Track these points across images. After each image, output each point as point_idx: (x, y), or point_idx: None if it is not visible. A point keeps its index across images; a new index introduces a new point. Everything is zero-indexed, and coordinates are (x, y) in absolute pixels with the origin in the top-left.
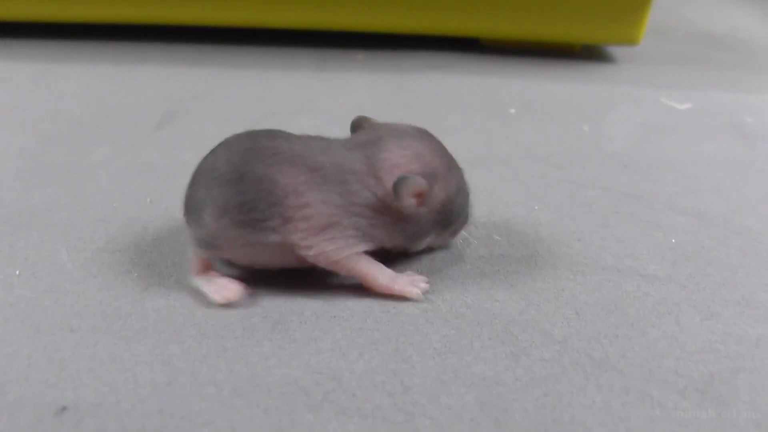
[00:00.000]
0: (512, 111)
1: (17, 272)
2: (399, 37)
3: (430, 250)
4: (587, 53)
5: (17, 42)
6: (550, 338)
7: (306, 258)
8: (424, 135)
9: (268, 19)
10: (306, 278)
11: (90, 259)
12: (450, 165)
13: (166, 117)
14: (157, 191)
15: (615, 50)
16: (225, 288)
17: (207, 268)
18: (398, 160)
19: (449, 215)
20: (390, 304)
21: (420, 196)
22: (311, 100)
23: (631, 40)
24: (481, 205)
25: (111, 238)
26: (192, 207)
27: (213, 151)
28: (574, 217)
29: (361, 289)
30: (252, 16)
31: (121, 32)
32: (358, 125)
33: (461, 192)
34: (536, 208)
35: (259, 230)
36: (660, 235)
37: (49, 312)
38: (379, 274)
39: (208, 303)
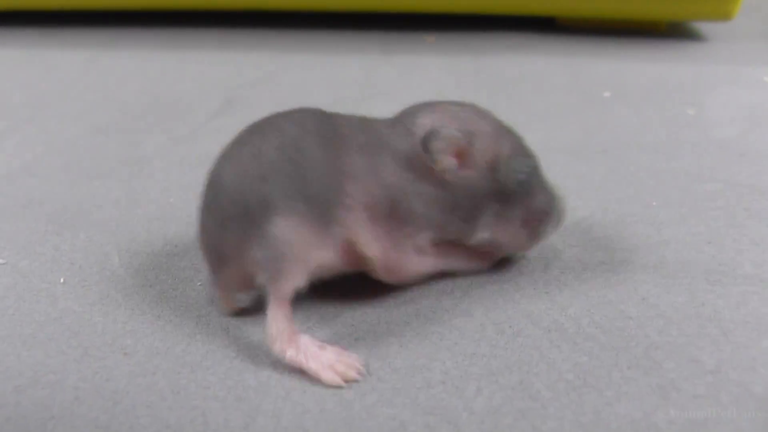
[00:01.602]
0: (606, 95)
1: (62, 280)
2: (469, 18)
3: (517, 257)
4: (673, 31)
5: (65, 30)
6: (699, 367)
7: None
8: (469, 105)
9: (330, 2)
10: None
11: (145, 264)
12: (499, 128)
13: (225, 104)
14: None
15: (703, 27)
16: (337, 362)
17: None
18: (433, 122)
19: (506, 184)
20: (505, 324)
21: (460, 156)
22: (381, 84)
23: (724, 15)
24: (589, 200)
25: (168, 239)
26: (241, 220)
27: (243, 141)
28: (699, 215)
29: (468, 300)
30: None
31: (173, 19)
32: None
33: (520, 159)
34: (654, 204)
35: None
36: None
37: (98, 330)
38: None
39: None
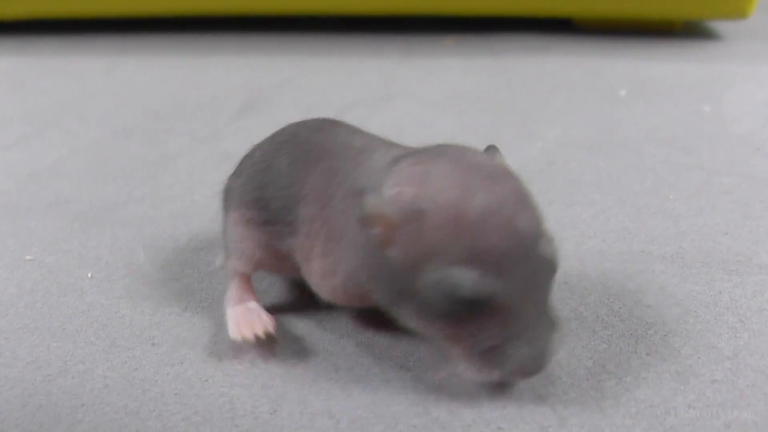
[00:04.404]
0: (623, 93)
1: (89, 275)
2: (487, 20)
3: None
4: (688, 30)
5: (87, 38)
6: (717, 353)
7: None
8: (487, 165)
9: (349, 6)
10: None
11: (170, 259)
12: (484, 217)
13: (246, 106)
14: None
15: (719, 26)
16: (247, 322)
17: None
18: (402, 177)
19: (430, 295)
20: None
21: (387, 230)
22: (400, 86)
23: (739, 14)
24: (609, 195)
25: (193, 235)
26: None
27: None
28: (716, 208)
29: None
30: (332, 3)
31: (194, 25)
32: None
33: (468, 278)
34: (671, 197)
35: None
36: None
37: (126, 322)
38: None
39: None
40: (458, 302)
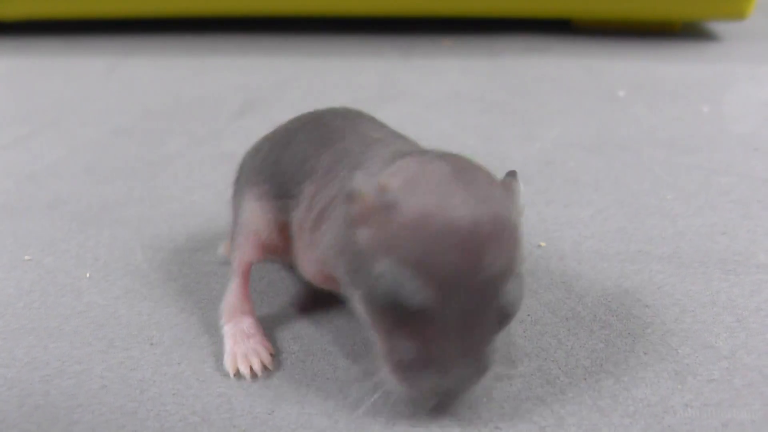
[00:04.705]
0: (621, 93)
1: (87, 275)
2: (486, 22)
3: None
4: (687, 31)
5: (86, 39)
6: (715, 353)
7: None
8: (478, 189)
9: (348, 7)
10: None
11: (168, 259)
12: (444, 236)
13: (245, 106)
14: None
15: (718, 27)
16: (245, 355)
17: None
18: (398, 169)
19: (376, 286)
20: (523, 313)
21: (363, 216)
22: (400, 87)
23: (738, 15)
24: (607, 195)
25: (191, 235)
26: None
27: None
28: (714, 208)
29: None
30: (332, 4)
31: (192, 26)
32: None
33: (403, 282)
34: (669, 197)
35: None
36: None
37: (123, 322)
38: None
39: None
40: (392, 303)
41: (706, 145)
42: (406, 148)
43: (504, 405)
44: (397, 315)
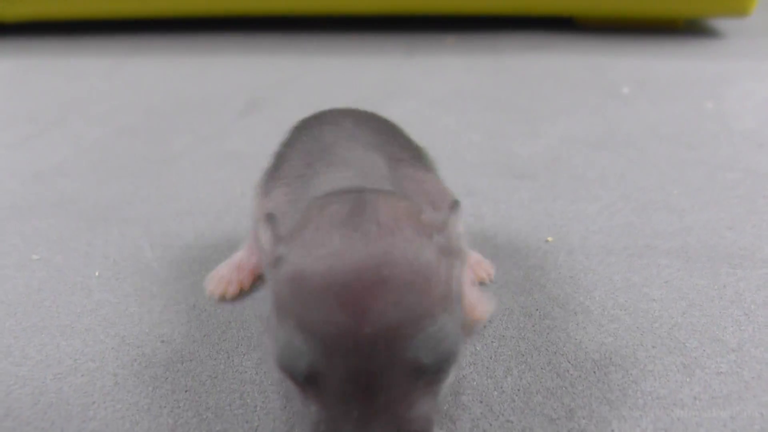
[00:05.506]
0: (625, 90)
1: (96, 273)
2: (489, 20)
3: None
4: (690, 28)
5: (91, 38)
6: (722, 346)
7: None
8: (374, 242)
9: (352, 6)
10: None
11: (177, 257)
12: (324, 298)
13: (250, 105)
14: (248, 181)
15: (720, 24)
16: (224, 278)
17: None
18: (311, 212)
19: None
20: (532, 307)
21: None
22: (404, 85)
23: (741, 12)
24: (613, 190)
25: (199, 232)
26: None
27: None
28: (720, 203)
29: (494, 286)
30: (336, 3)
31: (196, 25)
32: None
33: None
34: (675, 192)
35: None
36: None
37: (135, 319)
38: None
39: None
40: (283, 367)
41: (711, 141)
42: (346, 183)
43: (515, 398)
44: (294, 379)
